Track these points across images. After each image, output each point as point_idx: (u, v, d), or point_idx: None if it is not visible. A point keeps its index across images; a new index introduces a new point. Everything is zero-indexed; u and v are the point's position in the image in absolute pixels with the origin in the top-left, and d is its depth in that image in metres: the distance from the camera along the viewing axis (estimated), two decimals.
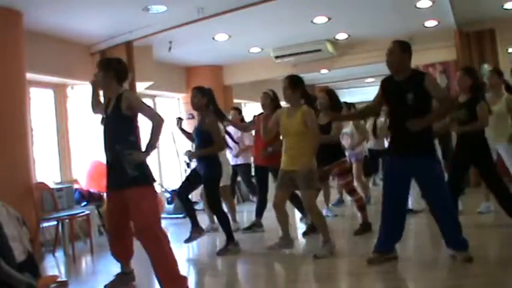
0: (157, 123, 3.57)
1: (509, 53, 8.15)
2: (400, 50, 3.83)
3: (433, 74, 8.23)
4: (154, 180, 3.75)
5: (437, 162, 3.89)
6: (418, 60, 8.38)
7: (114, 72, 3.69)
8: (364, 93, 12.58)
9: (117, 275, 4.00)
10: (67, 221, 5.54)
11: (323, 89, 5.63)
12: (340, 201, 7.64)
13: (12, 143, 5.18)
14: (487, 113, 4.82)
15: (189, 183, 5.20)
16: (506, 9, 7.05)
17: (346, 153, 7.26)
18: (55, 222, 5.56)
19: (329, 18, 6.98)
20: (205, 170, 4.99)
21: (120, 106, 3.58)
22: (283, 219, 4.68)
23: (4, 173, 5.01)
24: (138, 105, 3.65)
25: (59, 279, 4.15)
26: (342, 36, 8.11)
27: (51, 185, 5.95)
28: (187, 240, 5.21)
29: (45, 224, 5.57)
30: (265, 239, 5.52)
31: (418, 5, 6.56)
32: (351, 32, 7.94)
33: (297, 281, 4.10)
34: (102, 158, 3.94)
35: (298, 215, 6.21)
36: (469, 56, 7.87)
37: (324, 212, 6.27)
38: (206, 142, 4.97)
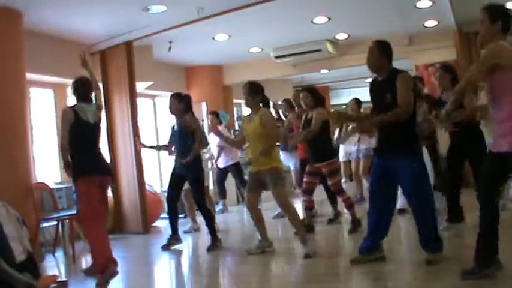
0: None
1: None
2: (379, 51, 3.87)
3: (433, 74, 8.27)
4: (81, 175, 4.22)
5: (420, 160, 3.83)
6: (418, 60, 8.40)
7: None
8: (364, 93, 12.56)
9: None
10: (67, 221, 5.53)
11: (303, 88, 5.69)
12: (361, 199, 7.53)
13: (12, 142, 5.18)
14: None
15: (176, 187, 5.46)
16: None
17: (353, 149, 7.26)
18: (55, 222, 5.55)
19: (329, 18, 6.98)
20: (192, 170, 5.27)
21: None
22: (259, 222, 4.79)
23: (4, 173, 5.01)
24: None
25: (59, 279, 4.15)
26: (342, 36, 8.12)
27: (51, 185, 5.95)
28: (164, 247, 5.39)
29: (45, 224, 5.57)
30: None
31: (418, 5, 6.56)
32: (351, 32, 7.94)
33: (297, 282, 4.10)
34: None
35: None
36: (469, 56, 7.86)
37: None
38: (190, 142, 5.29)
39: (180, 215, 6.91)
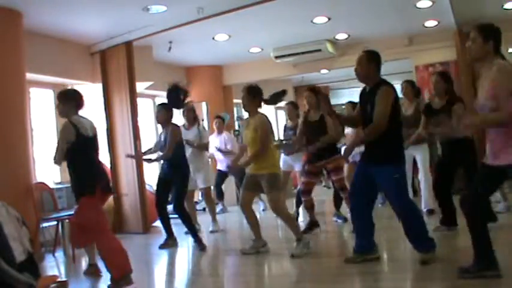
0: None
1: (509, 53, 8.13)
2: (367, 59, 3.90)
3: (432, 74, 8.27)
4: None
5: (402, 170, 3.91)
6: (418, 60, 8.40)
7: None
8: None
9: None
10: (67, 221, 5.52)
11: (309, 88, 5.70)
12: None
13: (12, 143, 5.18)
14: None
15: (162, 192, 5.51)
16: (506, 9, 7.04)
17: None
18: (55, 222, 5.56)
19: (329, 18, 6.98)
20: (180, 172, 5.38)
21: None
22: (253, 221, 4.81)
23: (4, 173, 5.01)
24: None
25: (59, 279, 4.14)
26: (342, 36, 8.11)
27: (51, 185, 5.95)
28: (162, 246, 5.48)
29: (45, 224, 5.57)
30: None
31: (418, 5, 6.56)
32: (351, 32, 7.94)
33: (296, 282, 4.10)
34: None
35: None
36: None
37: (334, 219, 6.23)
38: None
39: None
